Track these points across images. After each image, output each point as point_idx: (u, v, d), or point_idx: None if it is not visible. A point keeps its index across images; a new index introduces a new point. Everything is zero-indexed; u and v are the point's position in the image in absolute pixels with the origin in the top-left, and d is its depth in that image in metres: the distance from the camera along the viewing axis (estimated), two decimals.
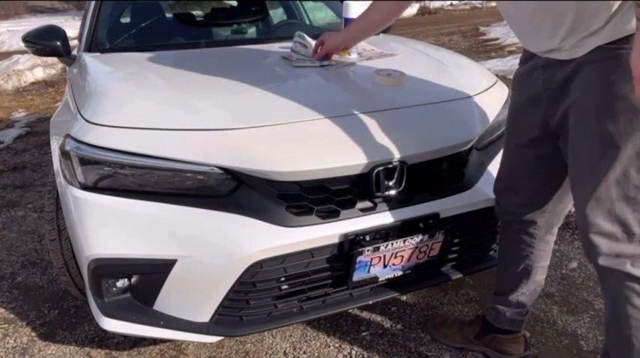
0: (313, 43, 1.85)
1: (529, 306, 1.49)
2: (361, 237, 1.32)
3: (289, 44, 1.97)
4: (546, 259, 1.44)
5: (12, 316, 1.90)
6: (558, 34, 1.04)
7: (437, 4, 15.41)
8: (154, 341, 1.69)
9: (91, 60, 1.95)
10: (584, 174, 1.09)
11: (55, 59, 2.82)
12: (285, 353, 1.65)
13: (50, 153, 1.99)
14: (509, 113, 1.35)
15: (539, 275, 1.45)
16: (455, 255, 1.56)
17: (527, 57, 1.22)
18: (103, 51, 2.14)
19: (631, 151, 1.00)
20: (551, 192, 1.31)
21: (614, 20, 0.96)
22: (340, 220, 1.32)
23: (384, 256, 1.38)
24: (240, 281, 1.27)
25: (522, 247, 1.41)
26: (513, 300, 1.47)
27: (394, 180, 1.34)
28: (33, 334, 1.79)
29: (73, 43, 2.32)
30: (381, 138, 1.37)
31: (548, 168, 1.27)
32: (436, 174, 1.43)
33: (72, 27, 7.05)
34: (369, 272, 1.40)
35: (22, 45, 2.33)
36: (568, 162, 1.14)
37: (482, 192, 1.47)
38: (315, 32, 2.05)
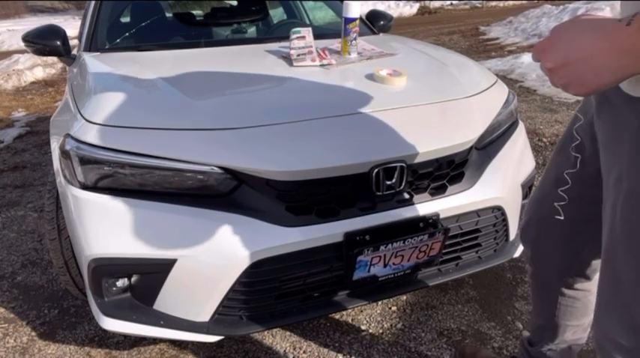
0: (309, 33, 1.85)
1: None
2: (361, 237, 1.32)
3: (289, 44, 1.98)
4: (579, 318, 1.21)
5: (12, 315, 1.90)
6: None
7: (437, 4, 15.41)
8: (154, 341, 1.69)
9: (90, 59, 1.95)
10: (611, 259, 0.82)
11: (54, 59, 2.83)
12: (285, 353, 1.65)
13: (50, 152, 1.99)
14: (567, 129, 1.07)
15: (572, 335, 1.24)
16: (455, 255, 1.56)
17: None
18: (103, 50, 2.14)
19: None
20: (580, 247, 1.08)
21: None
22: (340, 220, 1.31)
23: (384, 256, 1.38)
24: (240, 281, 1.27)
25: (545, 299, 1.23)
26: (542, 354, 1.29)
27: (394, 180, 1.34)
28: (33, 333, 1.79)
29: (73, 42, 2.33)
30: (381, 137, 1.37)
31: (575, 216, 1.01)
32: (436, 174, 1.43)
33: (72, 26, 7.05)
34: (369, 271, 1.40)
35: (22, 44, 2.33)
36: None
37: (482, 192, 1.47)
38: (316, 32, 2.05)
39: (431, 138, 1.41)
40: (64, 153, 1.37)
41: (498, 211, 1.53)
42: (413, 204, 1.39)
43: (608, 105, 0.80)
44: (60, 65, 7.38)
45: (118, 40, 2.32)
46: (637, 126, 0.72)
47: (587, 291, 1.17)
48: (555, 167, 1.07)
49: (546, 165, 1.12)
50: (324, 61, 1.83)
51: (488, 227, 1.55)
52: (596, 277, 1.02)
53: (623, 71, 0.59)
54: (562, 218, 1.02)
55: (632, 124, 0.73)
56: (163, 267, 1.26)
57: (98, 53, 2.09)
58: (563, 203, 1.00)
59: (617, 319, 0.82)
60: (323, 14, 3.38)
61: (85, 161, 1.31)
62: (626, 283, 0.79)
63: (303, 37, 1.88)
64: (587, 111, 0.95)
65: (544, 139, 3.48)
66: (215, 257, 1.25)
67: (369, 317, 1.80)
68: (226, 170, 1.29)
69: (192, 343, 1.69)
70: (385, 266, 1.41)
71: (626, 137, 0.74)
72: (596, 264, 1.08)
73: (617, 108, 0.76)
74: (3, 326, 1.84)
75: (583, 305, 1.20)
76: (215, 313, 1.33)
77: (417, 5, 15.00)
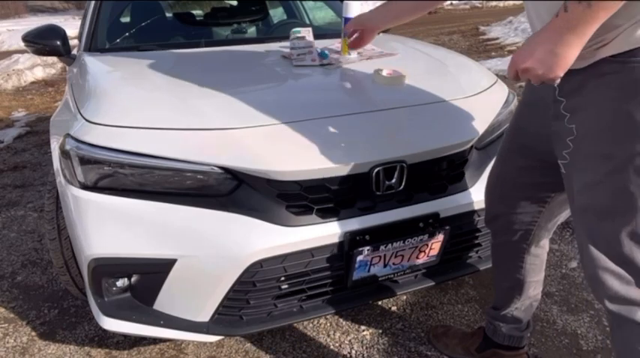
0: (309, 33, 1.85)
1: (527, 322, 1.44)
2: (361, 237, 1.32)
3: (289, 44, 1.98)
4: (538, 273, 1.38)
5: (12, 315, 1.90)
6: None
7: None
8: (154, 341, 1.69)
9: (90, 59, 1.95)
10: (582, 201, 0.97)
11: (54, 59, 2.83)
12: (284, 353, 1.65)
13: (50, 152, 1.99)
14: (513, 115, 1.26)
15: (533, 290, 1.39)
16: (455, 255, 1.56)
17: None
18: (103, 50, 2.14)
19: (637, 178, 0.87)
20: (539, 207, 1.23)
21: (626, 31, 0.85)
22: (340, 220, 1.32)
23: (384, 256, 1.38)
24: (240, 281, 1.27)
25: (512, 262, 1.36)
26: (509, 315, 1.43)
27: (394, 180, 1.34)
28: (33, 333, 1.79)
29: (73, 42, 2.33)
30: (381, 137, 1.37)
31: (536, 181, 1.19)
32: (436, 173, 1.43)
33: (72, 26, 7.05)
34: (369, 271, 1.40)
35: (22, 44, 2.33)
36: (564, 182, 1.04)
37: (482, 191, 1.47)
38: (316, 32, 2.05)
39: (431, 138, 1.41)
40: (64, 153, 1.37)
41: None
42: (413, 203, 1.39)
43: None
44: (60, 65, 7.38)
45: (118, 40, 2.32)
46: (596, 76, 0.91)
47: (545, 249, 1.36)
48: (512, 154, 1.24)
49: (499, 152, 1.30)
50: (324, 61, 1.83)
51: None
52: (552, 230, 1.31)
53: (572, 45, 0.81)
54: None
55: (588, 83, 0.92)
56: (163, 267, 1.26)
57: (98, 53, 2.09)
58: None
59: (605, 248, 0.95)
60: (323, 14, 3.38)
61: (85, 161, 1.31)
62: (608, 217, 0.93)
63: (303, 37, 1.88)
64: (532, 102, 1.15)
65: None
66: (215, 257, 1.25)
67: (369, 317, 1.80)
68: (226, 170, 1.29)
69: (192, 343, 1.69)
70: (385, 266, 1.41)
71: (587, 98, 0.93)
72: (557, 215, 1.26)
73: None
74: (3, 326, 1.84)
75: (541, 261, 1.37)
76: (215, 313, 1.33)
77: None
